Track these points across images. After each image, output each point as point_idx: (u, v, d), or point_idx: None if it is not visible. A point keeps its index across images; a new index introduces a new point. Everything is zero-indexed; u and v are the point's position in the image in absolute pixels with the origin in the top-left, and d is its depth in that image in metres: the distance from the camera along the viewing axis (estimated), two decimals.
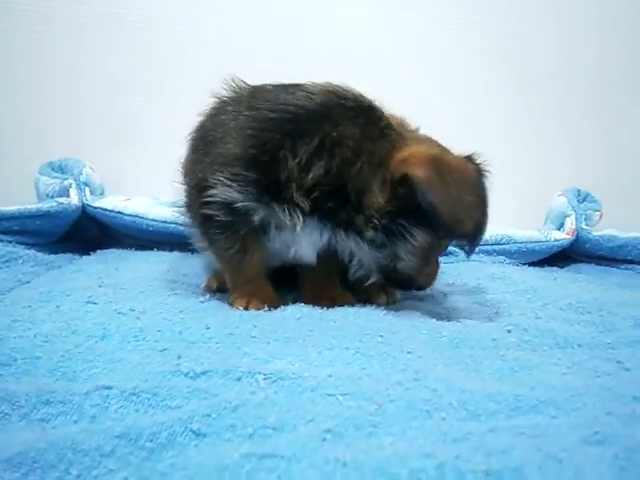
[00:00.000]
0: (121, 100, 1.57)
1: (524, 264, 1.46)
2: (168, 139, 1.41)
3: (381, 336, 0.77)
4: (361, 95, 0.91)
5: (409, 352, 0.70)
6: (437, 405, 0.54)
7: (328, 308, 0.92)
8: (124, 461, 0.41)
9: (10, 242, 1.20)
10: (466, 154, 0.90)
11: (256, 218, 0.86)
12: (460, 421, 0.52)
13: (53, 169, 1.40)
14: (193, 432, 0.47)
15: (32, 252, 1.15)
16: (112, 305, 0.85)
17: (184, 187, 0.97)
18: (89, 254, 1.34)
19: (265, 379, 0.60)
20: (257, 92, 0.91)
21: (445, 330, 0.82)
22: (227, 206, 0.85)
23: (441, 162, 0.83)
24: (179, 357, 0.65)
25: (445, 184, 0.81)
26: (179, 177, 1.14)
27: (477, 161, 0.90)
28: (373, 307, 0.94)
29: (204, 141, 0.90)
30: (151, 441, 0.45)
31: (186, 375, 0.59)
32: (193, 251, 1.38)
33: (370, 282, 0.92)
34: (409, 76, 1.65)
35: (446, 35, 1.66)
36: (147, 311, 0.84)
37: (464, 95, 1.67)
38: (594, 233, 1.48)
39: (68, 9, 1.52)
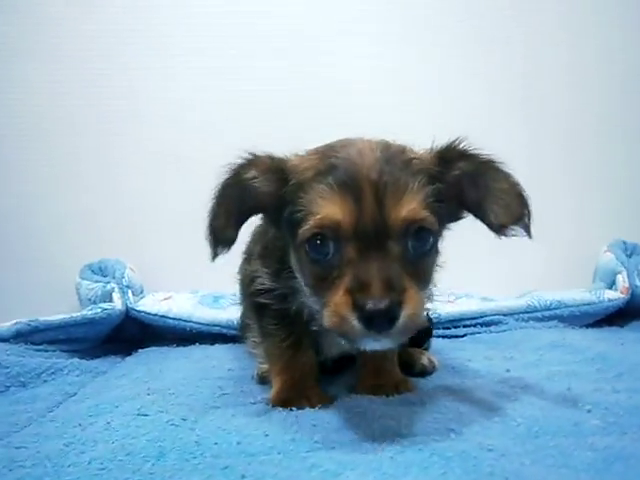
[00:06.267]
0: (153, 192, 1.60)
1: (580, 327, 1.39)
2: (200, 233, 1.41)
3: (452, 430, 0.72)
4: None
5: (490, 449, 0.65)
6: None
7: (388, 396, 0.88)
8: None
9: (54, 351, 1.19)
10: None
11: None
12: None
13: (93, 271, 1.41)
14: None
15: (75, 360, 1.13)
16: (164, 416, 0.82)
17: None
18: (131, 354, 1.32)
19: None
20: None
21: (519, 416, 0.76)
22: (271, 292, 0.88)
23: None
24: (243, 477, 0.61)
25: None
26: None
27: None
28: (435, 393, 0.89)
29: (250, 244, 1.01)
30: None
31: None
32: (235, 341, 1.37)
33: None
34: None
35: (481, 88, 1.68)
36: (199, 420, 0.81)
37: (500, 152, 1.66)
38: None
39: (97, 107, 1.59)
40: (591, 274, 1.62)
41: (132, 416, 0.82)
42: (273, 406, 0.86)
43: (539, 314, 1.40)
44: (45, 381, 1.02)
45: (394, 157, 0.73)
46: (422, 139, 0.79)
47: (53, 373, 1.05)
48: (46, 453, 0.69)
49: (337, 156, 0.73)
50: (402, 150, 0.76)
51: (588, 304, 1.41)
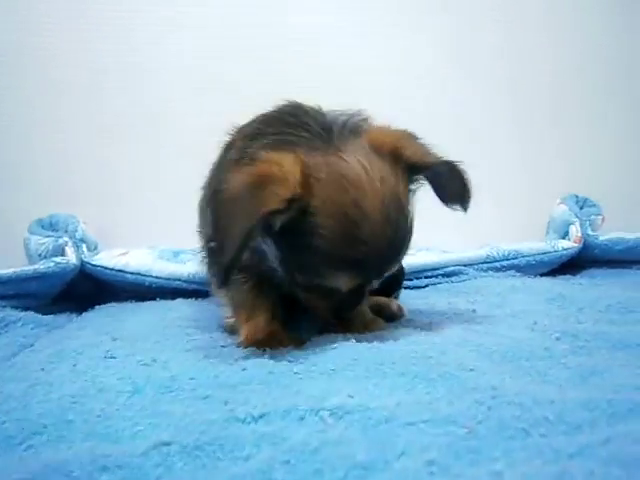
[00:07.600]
0: (106, 150, 1.52)
1: (535, 276, 1.44)
2: (159, 187, 1.36)
3: (431, 357, 0.72)
4: None
5: (471, 369, 0.65)
6: (531, 421, 0.49)
7: (360, 334, 0.87)
8: None
9: (4, 307, 1.12)
10: None
11: None
12: (565, 435, 0.46)
13: (43, 227, 1.33)
14: None
15: (30, 314, 1.07)
16: (133, 357, 0.78)
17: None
18: (87, 311, 1.26)
19: (331, 415, 0.54)
20: None
21: (492, 344, 0.78)
22: None
23: None
24: (226, 403, 0.59)
25: None
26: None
27: None
28: (406, 330, 0.90)
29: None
30: None
31: (243, 421, 0.53)
32: (197, 297, 1.33)
33: None
34: (402, 87, 1.66)
35: (439, 49, 1.69)
36: (171, 360, 0.77)
37: (457, 107, 1.68)
38: (601, 238, 1.47)
39: (50, 64, 1.49)
40: (544, 228, 1.67)
41: (99, 359, 0.78)
42: (245, 348, 0.85)
43: (497, 264, 1.43)
44: None
45: (398, 212, 0.79)
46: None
47: (6, 326, 0.99)
48: (9, 393, 0.65)
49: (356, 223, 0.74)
50: (400, 200, 0.80)
51: (544, 253, 1.45)
